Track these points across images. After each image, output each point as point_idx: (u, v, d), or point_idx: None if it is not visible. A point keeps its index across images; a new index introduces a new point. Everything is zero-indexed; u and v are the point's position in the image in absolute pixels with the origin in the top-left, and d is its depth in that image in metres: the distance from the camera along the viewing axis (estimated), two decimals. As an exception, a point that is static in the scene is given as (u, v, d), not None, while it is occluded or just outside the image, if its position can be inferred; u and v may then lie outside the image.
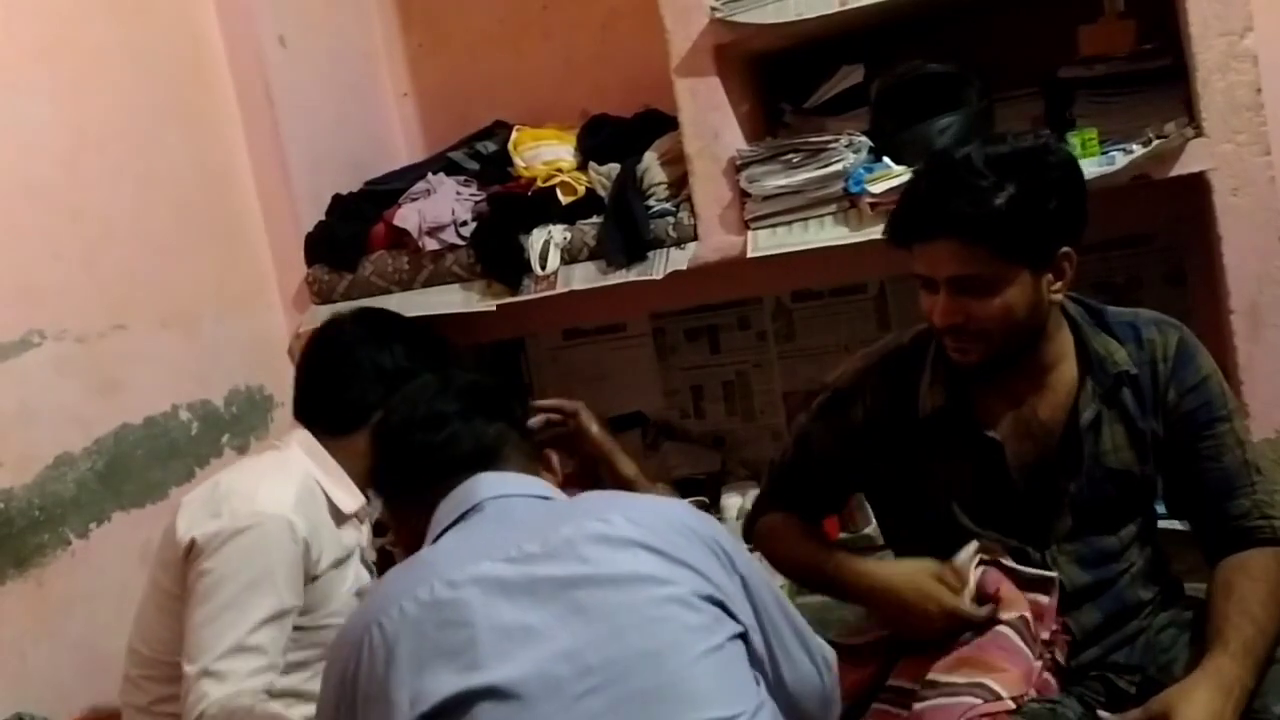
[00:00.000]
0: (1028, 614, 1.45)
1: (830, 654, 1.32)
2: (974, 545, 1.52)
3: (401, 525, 1.36)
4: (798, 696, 1.24)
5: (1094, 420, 1.52)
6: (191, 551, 1.64)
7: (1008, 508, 1.55)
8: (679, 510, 1.24)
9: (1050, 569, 1.53)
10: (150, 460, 2.33)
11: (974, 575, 1.48)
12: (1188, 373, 1.53)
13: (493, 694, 1.05)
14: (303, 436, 1.80)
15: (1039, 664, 1.45)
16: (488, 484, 1.25)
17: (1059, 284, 1.47)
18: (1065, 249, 1.46)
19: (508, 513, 1.22)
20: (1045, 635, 1.48)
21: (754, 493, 2.64)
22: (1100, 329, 1.55)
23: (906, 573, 1.54)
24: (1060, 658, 1.51)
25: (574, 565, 1.11)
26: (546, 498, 1.26)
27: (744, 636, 1.16)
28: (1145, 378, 1.53)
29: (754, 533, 1.77)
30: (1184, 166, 2.01)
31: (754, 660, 1.17)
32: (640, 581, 1.11)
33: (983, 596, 1.47)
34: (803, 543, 1.69)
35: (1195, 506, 1.57)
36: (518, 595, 1.10)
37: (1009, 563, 1.52)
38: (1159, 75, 2.13)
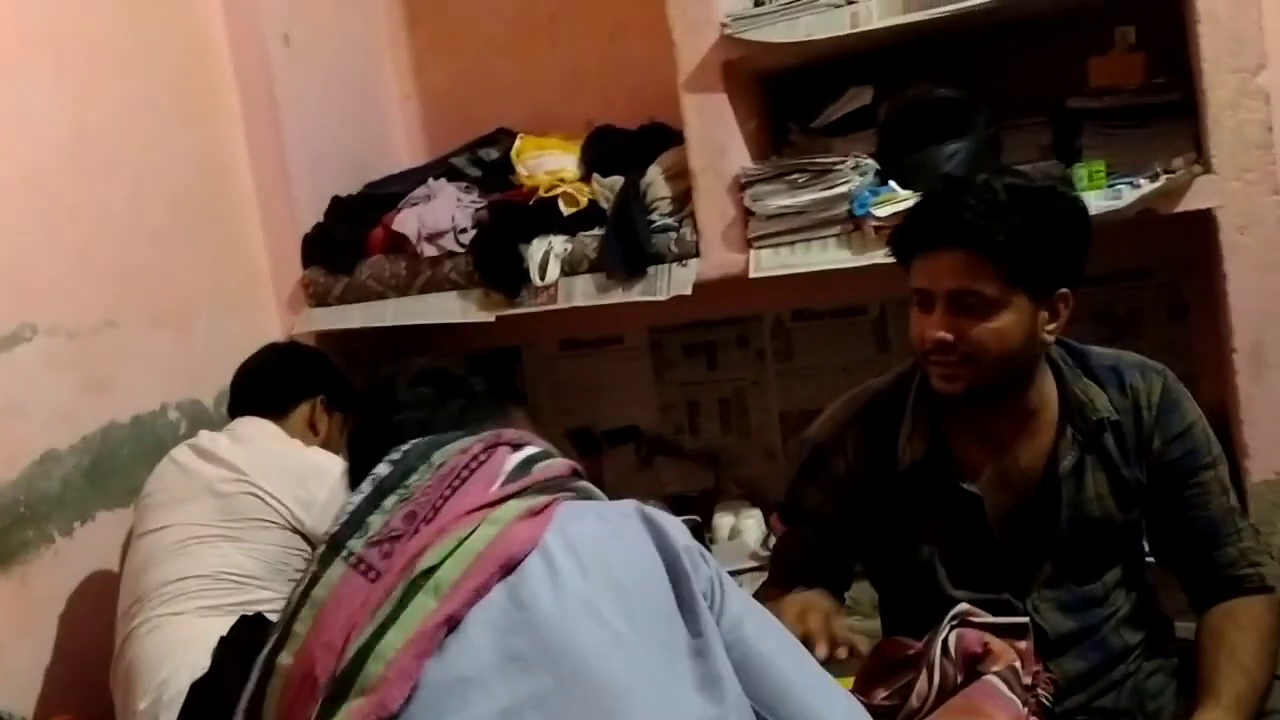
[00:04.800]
0: (1016, 663, 1.44)
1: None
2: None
3: None
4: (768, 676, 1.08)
5: (1073, 467, 1.50)
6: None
7: (988, 559, 1.53)
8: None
9: (1033, 616, 1.50)
10: (136, 459, 2.31)
11: (951, 640, 1.46)
12: (1172, 420, 1.51)
13: None
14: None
15: (1025, 710, 1.43)
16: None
17: (1054, 324, 1.46)
18: (1063, 290, 1.45)
19: None
20: (1028, 680, 1.46)
21: (747, 511, 2.65)
22: (1083, 372, 1.53)
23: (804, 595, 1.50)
24: (1046, 699, 1.50)
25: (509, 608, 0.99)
26: None
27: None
28: (1129, 424, 1.51)
29: None
30: (1191, 203, 2.01)
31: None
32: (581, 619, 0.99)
33: (968, 656, 1.45)
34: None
35: (1181, 554, 1.55)
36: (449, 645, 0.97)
37: (982, 619, 1.50)
38: (1168, 110, 2.12)
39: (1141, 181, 2.00)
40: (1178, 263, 2.38)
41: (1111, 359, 1.56)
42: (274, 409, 2.16)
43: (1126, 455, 1.51)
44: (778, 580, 1.68)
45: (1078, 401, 1.50)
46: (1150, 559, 1.64)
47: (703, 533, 2.58)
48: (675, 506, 2.75)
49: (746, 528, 2.60)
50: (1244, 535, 1.52)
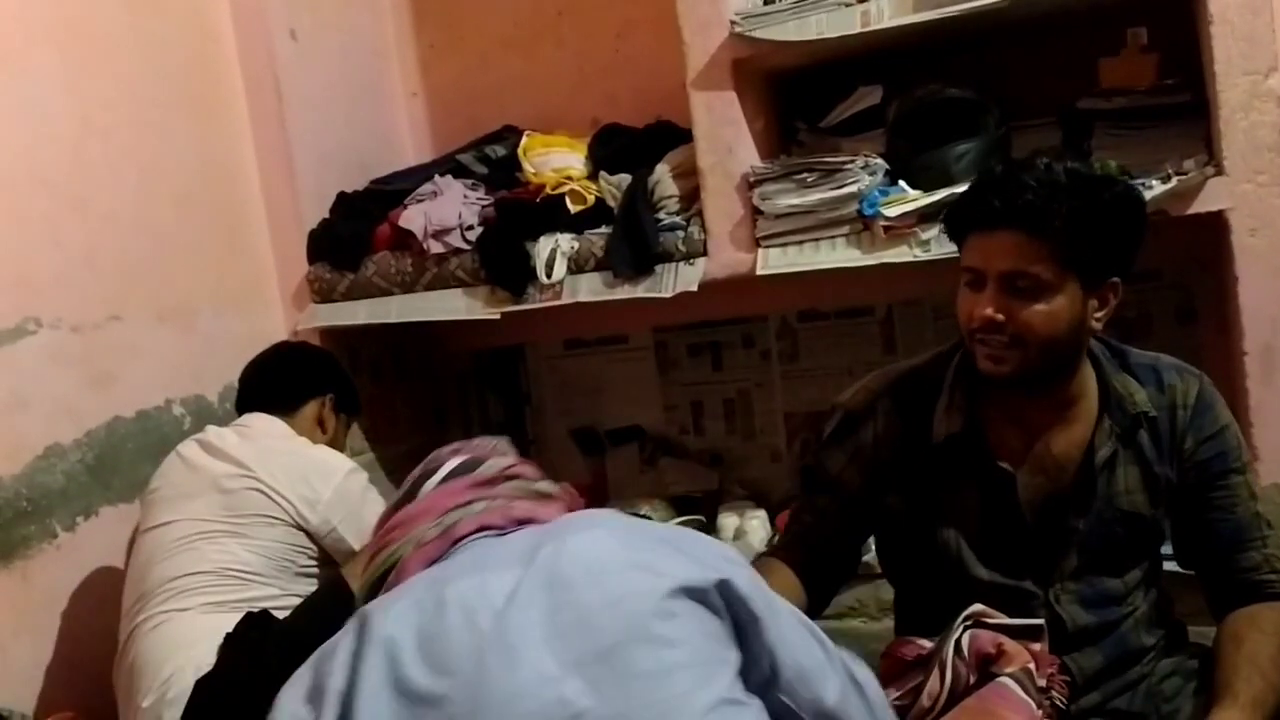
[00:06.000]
0: (1031, 665, 1.43)
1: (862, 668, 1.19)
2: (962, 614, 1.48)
3: None
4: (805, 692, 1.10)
5: (1109, 459, 1.50)
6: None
7: (1015, 543, 1.52)
8: (650, 528, 1.17)
9: (1053, 607, 1.50)
10: (140, 454, 2.30)
11: (965, 640, 1.45)
12: (1206, 421, 1.51)
13: None
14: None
15: (1039, 712, 1.43)
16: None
17: (1102, 312, 1.45)
18: (1115, 279, 1.45)
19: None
20: (1042, 682, 1.46)
21: (751, 512, 2.64)
22: (1122, 369, 1.54)
23: None
24: (1060, 701, 1.49)
25: (555, 587, 1.03)
26: None
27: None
28: (1164, 422, 1.51)
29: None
30: (1202, 205, 2.00)
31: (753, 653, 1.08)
32: (630, 597, 1.02)
33: (981, 657, 1.44)
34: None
35: (1205, 557, 1.55)
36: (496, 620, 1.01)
37: (996, 620, 1.49)
38: (1179, 111, 2.11)
39: (1153, 183, 1.99)
40: (1187, 265, 2.37)
41: (1150, 359, 1.56)
42: (283, 406, 2.15)
43: (1160, 452, 1.51)
44: (782, 546, 1.67)
45: (1117, 395, 1.50)
46: (1168, 565, 1.63)
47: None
48: (679, 507, 2.75)
49: (751, 529, 2.59)
50: (1269, 542, 1.51)
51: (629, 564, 1.05)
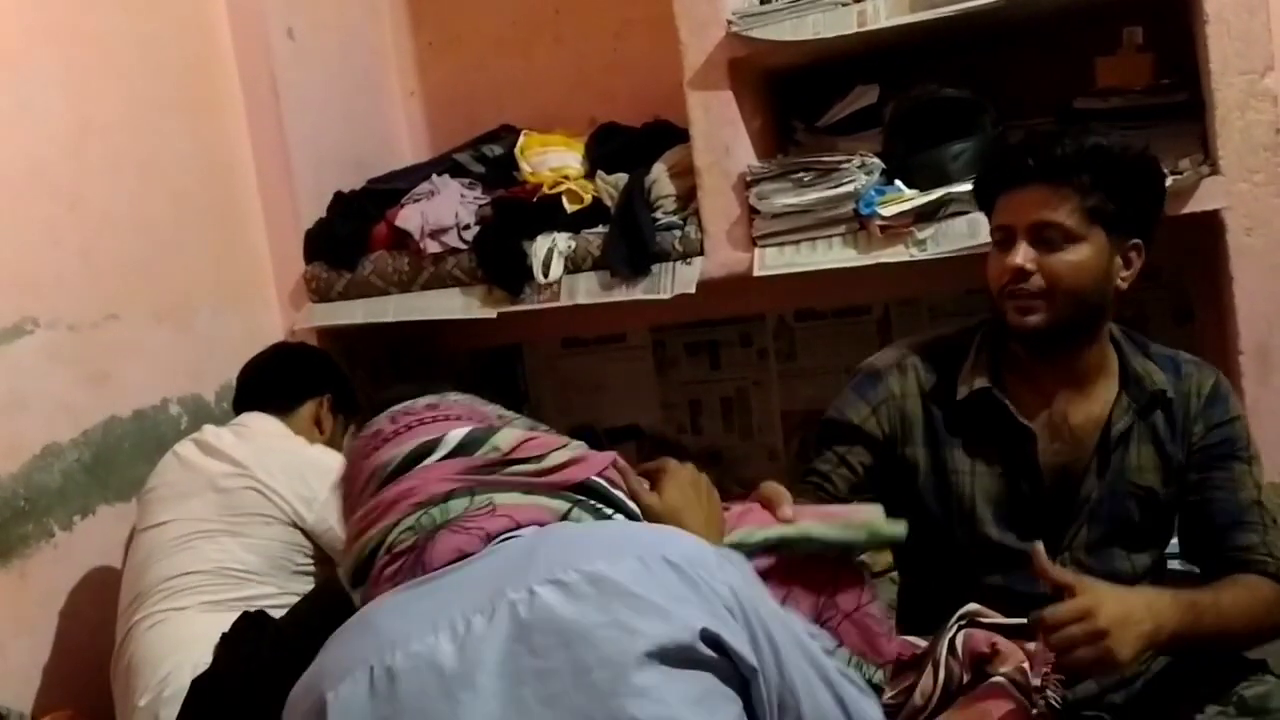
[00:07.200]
0: (1025, 665, 1.43)
1: (875, 711, 1.12)
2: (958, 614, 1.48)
3: None
4: None
5: (1125, 432, 1.55)
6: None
7: (1029, 507, 1.55)
8: (648, 538, 1.07)
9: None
10: (137, 453, 2.31)
11: (959, 639, 1.45)
12: (1217, 410, 1.57)
13: None
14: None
15: (1034, 711, 1.42)
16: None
17: (1128, 272, 1.52)
18: (1137, 240, 1.51)
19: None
20: (1036, 681, 1.46)
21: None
22: (1143, 355, 1.60)
23: None
24: (1055, 700, 1.49)
25: (519, 652, 0.95)
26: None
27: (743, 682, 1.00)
28: (1179, 406, 1.57)
29: None
30: (1198, 204, 2.00)
31: (756, 706, 1.01)
32: (596, 667, 0.94)
33: (975, 656, 1.45)
34: None
35: (1202, 537, 1.57)
36: (457, 689, 0.94)
37: (991, 619, 1.49)
38: (1175, 110, 2.11)
39: (1165, 188, 1.99)
40: (1182, 264, 2.38)
41: (1170, 352, 1.62)
42: (281, 405, 2.15)
43: (1173, 432, 1.56)
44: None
45: (1135, 374, 1.56)
46: (1173, 563, 1.65)
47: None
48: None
49: (748, 528, 2.58)
50: (1269, 531, 1.53)
51: (602, 623, 0.95)
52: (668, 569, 0.99)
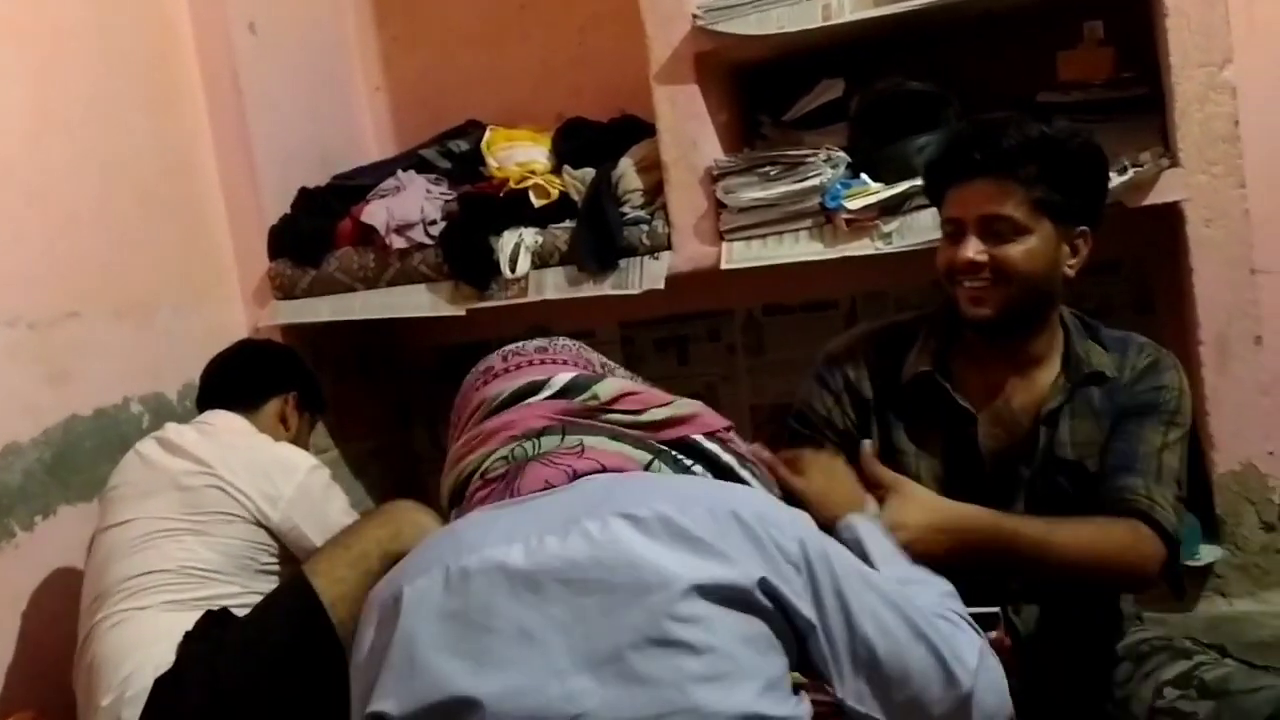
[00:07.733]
0: None
1: (970, 649, 1.13)
2: None
3: None
4: (909, 697, 1.08)
5: (1055, 410, 1.58)
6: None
7: (973, 490, 1.56)
8: (721, 494, 1.12)
9: None
10: (99, 452, 2.28)
11: None
12: (1149, 377, 1.60)
13: (473, 707, 0.99)
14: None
15: None
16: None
17: (1075, 259, 1.56)
18: (1084, 228, 1.56)
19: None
20: None
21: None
22: (1091, 339, 1.62)
23: None
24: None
25: (586, 566, 1.02)
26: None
27: (800, 635, 1.06)
28: (1119, 382, 1.59)
29: None
30: (1158, 196, 2.02)
31: (817, 659, 1.06)
32: (656, 589, 1.01)
33: None
34: None
35: (1095, 481, 1.57)
36: (523, 590, 1.03)
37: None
38: (1136, 104, 2.14)
39: (1110, 175, 2.01)
40: (1145, 256, 2.40)
41: (1122, 334, 1.66)
42: (245, 403, 2.13)
43: (1111, 404, 1.59)
44: None
45: (1076, 357, 1.60)
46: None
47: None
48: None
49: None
50: (1159, 482, 1.51)
51: (667, 554, 1.02)
52: (734, 522, 1.05)
